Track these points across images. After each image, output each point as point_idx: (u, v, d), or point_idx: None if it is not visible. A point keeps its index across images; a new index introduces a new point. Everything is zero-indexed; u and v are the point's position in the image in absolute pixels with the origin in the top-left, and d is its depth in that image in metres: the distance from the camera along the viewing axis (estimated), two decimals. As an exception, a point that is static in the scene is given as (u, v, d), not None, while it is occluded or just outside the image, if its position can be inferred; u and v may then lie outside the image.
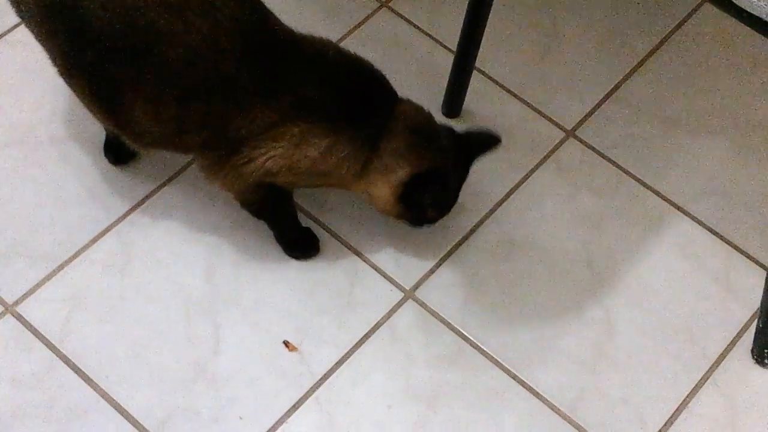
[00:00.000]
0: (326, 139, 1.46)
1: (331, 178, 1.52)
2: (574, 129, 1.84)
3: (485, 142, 1.61)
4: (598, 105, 1.87)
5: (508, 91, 1.88)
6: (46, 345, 1.58)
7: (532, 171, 1.79)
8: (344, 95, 1.48)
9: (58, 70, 1.52)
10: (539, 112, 1.86)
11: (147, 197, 1.72)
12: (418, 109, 1.56)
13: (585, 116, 1.86)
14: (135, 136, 1.53)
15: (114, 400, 1.54)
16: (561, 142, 1.83)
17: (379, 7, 1.97)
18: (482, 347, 1.61)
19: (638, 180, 1.79)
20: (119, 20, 1.42)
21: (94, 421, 1.51)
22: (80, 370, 1.56)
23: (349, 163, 1.50)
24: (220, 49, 1.42)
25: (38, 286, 1.63)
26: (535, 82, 1.89)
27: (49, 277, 1.64)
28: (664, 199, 1.77)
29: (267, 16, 1.49)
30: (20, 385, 1.54)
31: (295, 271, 1.66)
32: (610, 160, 1.81)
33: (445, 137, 1.56)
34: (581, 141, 1.83)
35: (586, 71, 1.90)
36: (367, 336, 1.61)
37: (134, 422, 1.52)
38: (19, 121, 1.77)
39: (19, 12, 1.53)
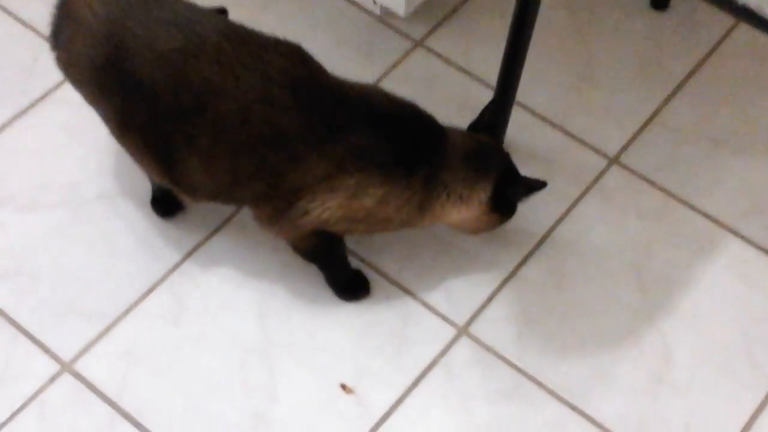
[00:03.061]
0: (382, 188, 1.47)
1: (391, 223, 1.53)
2: (617, 156, 1.84)
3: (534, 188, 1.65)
4: (640, 130, 1.87)
5: (548, 121, 1.88)
6: (105, 401, 1.59)
7: (578, 200, 1.79)
8: (395, 140, 1.49)
9: (111, 130, 1.54)
10: (581, 141, 1.86)
11: (196, 247, 1.73)
12: (461, 134, 1.59)
13: (627, 142, 1.86)
14: (190, 190, 1.55)
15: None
16: (605, 170, 1.82)
17: (415, 47, 1.98)
18: (539, 380, 1.60)
19: (685, 203, 1.78)
20: (172, 79, 1.44)
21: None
22: (140, 424, 1.57)
23: (408, 206, 1.51)
24: (271, 103, 1.43)
25: (94, 342, 1.64)
26: (574, 111, 1.89)
27: (104, 333, 1.65)
28: (713, 221, 1.76)
29: (314, 66, 1.50)
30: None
31: (347, 313, 1.66)
32: (655, 185, 1.80)
33: (485, 139, 1.61)
34: (625, 167, 1.83)
35: (625, 97, 1.90)
36: (423, 375, 1.61)
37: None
38: (66, 179, 1.80)
39: (69, 76, 1.55)
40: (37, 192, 1.79)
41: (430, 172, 1.51)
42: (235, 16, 1.81)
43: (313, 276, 1.68)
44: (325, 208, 1.47)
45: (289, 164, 1.45)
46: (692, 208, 1.78)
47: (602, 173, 1.82)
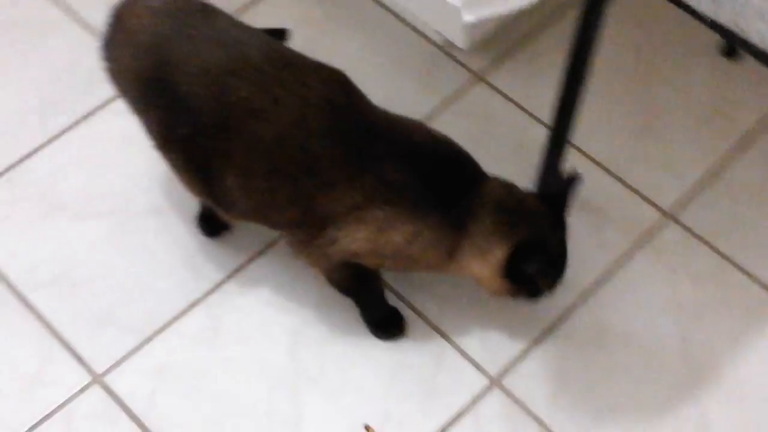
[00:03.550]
0: (411, 225, 1.45)
1: (419, 263, 1.50)
2: (674, 211, 1.78)
3: (568, 188, 1.55)
4: (700, 186, 1.81)
5: (604, 168, 1.83)
6: (131, 417, 1.60)
7: (628, 255, 1.74)
8: (429, 179, 1.46)
9: (154, 142, 1.55)
10: (637, 192, 1.80)
11: (238, 269, 1.73)
12: (502, 184, 1.53)
13: (685, 198, 1.80)
14: (227, 208, 1.55)
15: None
16: (659, 225, 1.77)
17: (475, 80, 1.95)
18: (568, 441, 1.56)
19: (741, 268, 1.72)
20: (213, 97, 1.45)
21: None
22: (161, 442, 1.57)
23: (436, 248, 1.47)
24: (308, 128, 1.43)
25: (127, 357, 1.65)
26: (633, 159, 1.84)
27: (138, 348, 1.66)
28: (769, 289, 1.70)
29: (356, 95, 1.49)
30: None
31: (380, 351, 1.64)
32: (711, 246, 1.74)
33: (532, 203, 1.51)
34: (681, 224, 1.77)
35: (687, 149, 1.84)
36: (450, 423, 1.58)
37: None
38: (118, 189, 1.81)
39: (117, 86, 1.57)
40: (88, 201, 1.81)
41: (460, 217, 1.47)
42: (296, 38, 1.80)
43: (350, 310, 1.66)
44: (353, 239, 1.45)
45: (321, 191, 1.44)
46: (749, 275, 1.71)
47: (656, 229, 1.77)
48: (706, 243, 1.75)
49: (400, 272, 1.64)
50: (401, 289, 1.70)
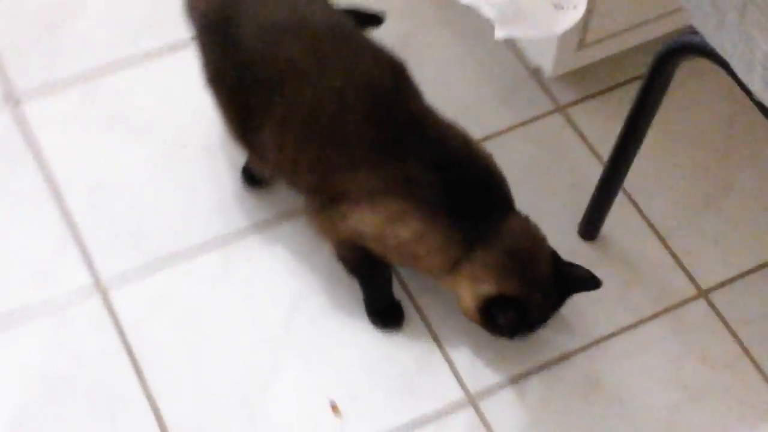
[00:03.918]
0: (420, 225, 1.44)
1: (420, 264, 1.49)
2: (709, 290, 1.72)
3: (585, 283, 1.52)
4: (745, 274, 1.73)
5: (654, 230, 1.77)
6: (118, 332, 1.63)
7: (648, 319, 1.68)
8: (454, 187, 1.45)
9: (205, 77, 1.58)
10: (678, 261, 1.74)
11: (265, 224, 1.75)
12: (528, 229, 1.50)
13: (726, 281, 1.73)
14: (259, 159, 1.57)
15: (154, 400, 1.56)
16: (689, 300, 1.71)
17: (554, 110, 1.92)
18: (524, 480, 1.51)
19: (757, 365, 1.64)
20: (265, 50, 1.48)
21: (127, 413, 1.55)
22: (137, 361, 1.60)
23: (440, 257, 1.46)
24: (345, 104, 1.44)
25: (134, 276, 1.69)
26: (685, 229, 1.78)
27: (146, 271, 1.70)
28: (780, 395, 1.61)
29: (407, 88, 1.49)
30: (80, 360, 1.60)
31: (370, 338, 1.64)
32: (734, 335, 1.67)
33: (545, 265, 1.48)
34: (711, 305, 1.70)
35: (744, 234, 1.77)
36: (413, 427, 1.56)
37: (163, 426, 1.53)
38: (178, 122, 1.85)
39: (188, 19, 1.62)
40: (149, 125, 1.86)
41: (473, 236, 1.45)
42: (391, 27, 1.81)
43: (357, 292, 1.66)
44: (362, 221, 1.45)
45: (343, 168, 1.44)
46: (762, 374, 1.63)
47: (685, 302, 1.71)
48: (730, 330, 1.67)
49: (401, 266, 1.62)
50: (411, 284, 1.68)
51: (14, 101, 1.86)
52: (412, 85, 1.51)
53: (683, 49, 1.30)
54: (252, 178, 1.77)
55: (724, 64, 1.19)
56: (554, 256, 1.51)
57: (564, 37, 1.80)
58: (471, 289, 1.47)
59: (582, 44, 1.85)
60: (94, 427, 1.53)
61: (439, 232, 1.44)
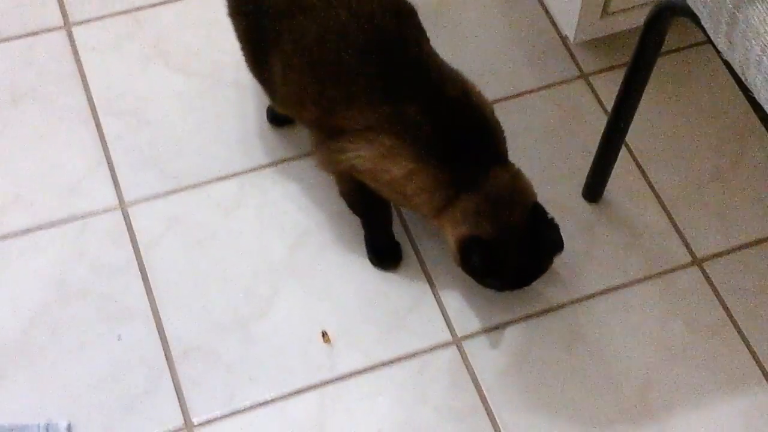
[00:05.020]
0: (411, 163, 1.50)
1: (411, 202, 1.56)
2: (704, 259, 1.75)
3: (550, 242, 1.56)
4: (742, 247, 1.76)
5: (658, 197, 1.81)
6: (133, 246, 1.74)
7: (640, 281, 1.72)
8: (448, 131, 1.50)
9: (228, 12, 1.67)
10: (677, 229, 1.78)
11: (282, 161, 1.83)
12: (514, 180, 1.55)
13: (722, 252, 1.76)
14: (271, 91, 1.65)
15: (158, 314, 1.66)
16: (683, 266, 1.74)
17: (578, 77, 1.96)
18: (497, 419, 1.58)
19: (742, 334, 1.67)
20: None
21: (134, 323, 1.66)
22: (147, 277, 1.70)
23: (429, 197, 1.53)
24: (347, 40, 1.50)
25: (154, 197, 1.79)
26: (689, 199, 1.81)
27: (167, 194, 1.80)
28: (759, 366, 1.64)
29: (412, 30, 1.55)
30: (96, 271, 1.71)
31: (368, 274, 1.71)
32: (723, 304, 1.70)
33: (520, 215, 1.53)
34: (705, 273, 1.74)
35: (747, 209, 1.79)
36: (398, 360, 1.63)
37: (164, 339, 1.63)
38: (216, 58, 1.94)
39: None
40: (189, 58, 1.95)
41: (460, 181, 1.51)
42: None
43: (360, 233, 1.73)
44: (358, 155, 1.52)
45: (342, 103, 1.51)
46: (746, 343, 1.66)
47: (678, 268, 1.74)
48: (720, 299, 1.71)
49: (396, 204, 1.69)
50: (412, 227, 1.75)
51: (69, 24, 1.97)
52: (417, 29, 1.56)
53: (668, 8, 1.33)
54: (276, 117, 1.85)
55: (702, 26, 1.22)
56: (538, 209, 1.55)
57: (587, 4, 1.84)
58: (454, 231, 1.53)
59: (606, 12, 1.88)
60: (101, 334, 1.64)
61: (428, 173, 1.50)
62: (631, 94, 1.56)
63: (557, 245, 1.56)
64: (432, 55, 1.57)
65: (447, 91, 1.53)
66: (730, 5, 1.14)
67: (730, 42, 1.16)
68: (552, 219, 1.57)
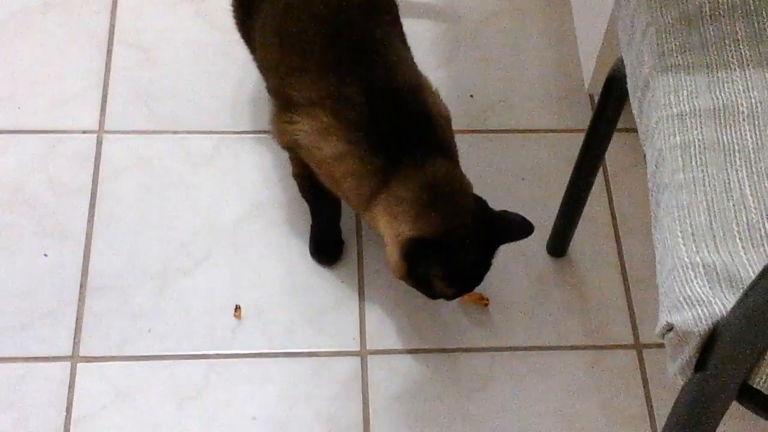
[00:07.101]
0: (343, 145, 1.45)
1: (340, 188, 1.50)
2: (645, 346, 1.67)
3: (518, 227, 1.47)
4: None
5: (623, 269, 1.73)
6: (94, 176, 1.76)
7: (571, 348, 1.66)
8: (382, 119, 1.45)
9: None
10: (630, 308, 1.70)
11: (264, 132, 1.82)
12: (452, 170, 1.47)
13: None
14: (252, 50, 1.66)
15: (91, 244, 1.69)
16: (621, 347, 1.67)
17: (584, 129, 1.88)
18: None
19: (654, 429, 1.58)
20: None
21: (64, 243, 1.69)
22: (94, 205, 1.72)
23: (357, 183, 1.46)
24: (312, 11, 1.48)
25: (134, 132, 1.81)
26: (653, 283, 1.69)
27: (146, 132, 1.82)
28: None
29: (378, 13, 1.51)
30: (51, 187, 1.74)
31: (301, 263, 1.69)
32: (647, 396, 1.62)
33: (464, 207, 1.45)
34: (640, 359, 1.65)
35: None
36: (299, 355, 1.61)
37: (85, 269, 1.65)
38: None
39: None
40: (220, 11, 1.94)
41: (390, 169, 1.45)
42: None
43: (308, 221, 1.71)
44: (301, 129, 1.48)
45: (296, 72, 1.48)
46: (656, 441, 1.57)
47: (617, 347, 1.67)
48: (646, 389, 1.62)
49: (331, 189, 1.61)
50: (365, 233, 1.71)
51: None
52: (387, 17, 1.52)
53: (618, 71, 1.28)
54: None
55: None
56: (480, 201, 1.48)
57: (603, 55, 1.77)
58: (389, 228, 1.45)
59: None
60: (31, 246, 1.68)
61: (357, 156, 1.45)
62: (588, 159, 1.49)
63: (530, 227, 1.47)
64: (394, 46, 1.52)
65: (395, 80, 1.47)
66: (646, 70, 1.08)
67: (640, 110, 1.10)
68: (500, 211, 1.48)
